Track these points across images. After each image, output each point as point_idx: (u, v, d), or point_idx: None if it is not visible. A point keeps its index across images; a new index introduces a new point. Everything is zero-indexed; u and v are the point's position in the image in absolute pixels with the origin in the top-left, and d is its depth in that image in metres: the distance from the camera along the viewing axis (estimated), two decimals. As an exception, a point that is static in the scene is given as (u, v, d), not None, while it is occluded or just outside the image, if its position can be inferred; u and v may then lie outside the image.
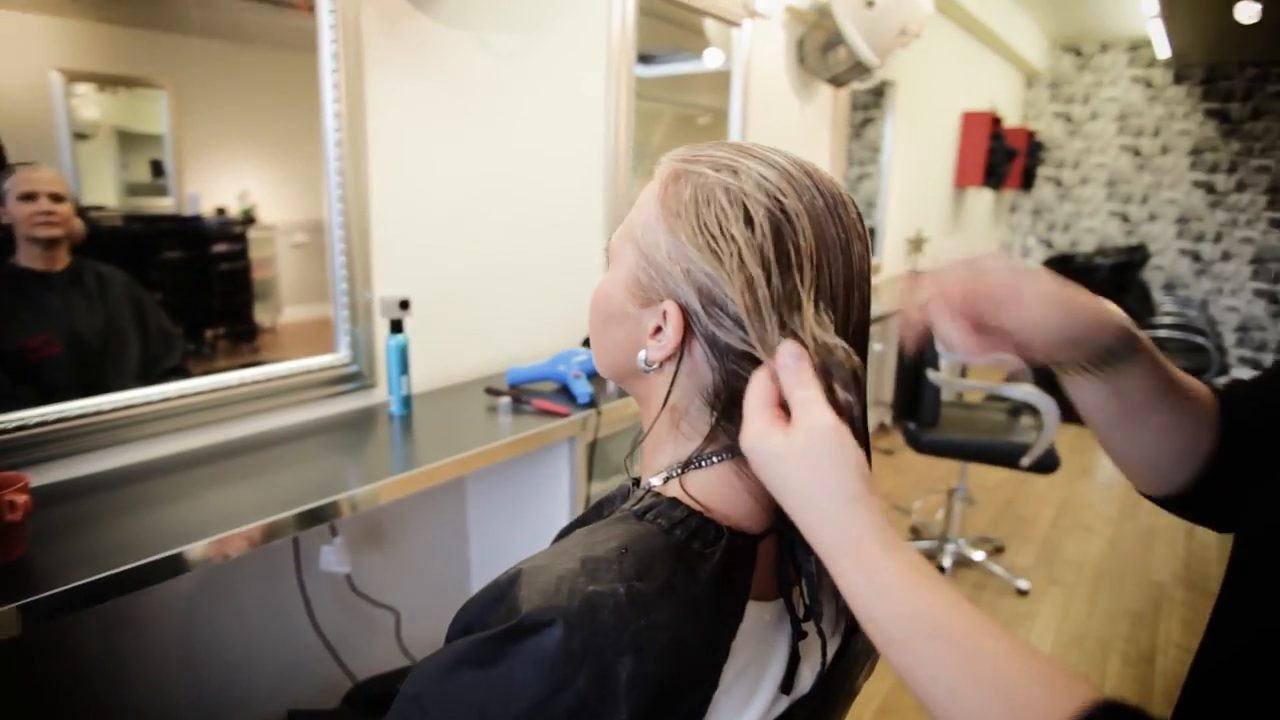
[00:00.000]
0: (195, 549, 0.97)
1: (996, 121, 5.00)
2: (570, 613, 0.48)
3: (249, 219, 1.36)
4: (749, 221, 0.52)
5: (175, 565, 0.95)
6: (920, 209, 4.51)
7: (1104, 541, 3.04)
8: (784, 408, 0.50)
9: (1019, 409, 2.82)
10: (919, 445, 2.65)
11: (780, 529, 0.57)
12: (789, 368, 0.49)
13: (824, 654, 0.59)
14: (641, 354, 0.58)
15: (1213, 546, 3.02)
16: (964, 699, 0.41)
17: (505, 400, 1.54)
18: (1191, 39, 4.90)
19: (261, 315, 1.42)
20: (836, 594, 0.62)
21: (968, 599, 0.43)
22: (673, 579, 0.52)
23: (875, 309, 3.43)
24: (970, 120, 4.97)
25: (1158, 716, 0.39)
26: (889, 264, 4.14)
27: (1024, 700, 0.39)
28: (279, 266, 1.43)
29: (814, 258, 0.52)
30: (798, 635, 0.57)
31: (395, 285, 1.55)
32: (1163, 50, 5.23)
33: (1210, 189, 5.79)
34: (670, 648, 0.50)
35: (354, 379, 1.51)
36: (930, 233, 4.54)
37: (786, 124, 2.95)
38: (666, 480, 0.58)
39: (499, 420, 1.50)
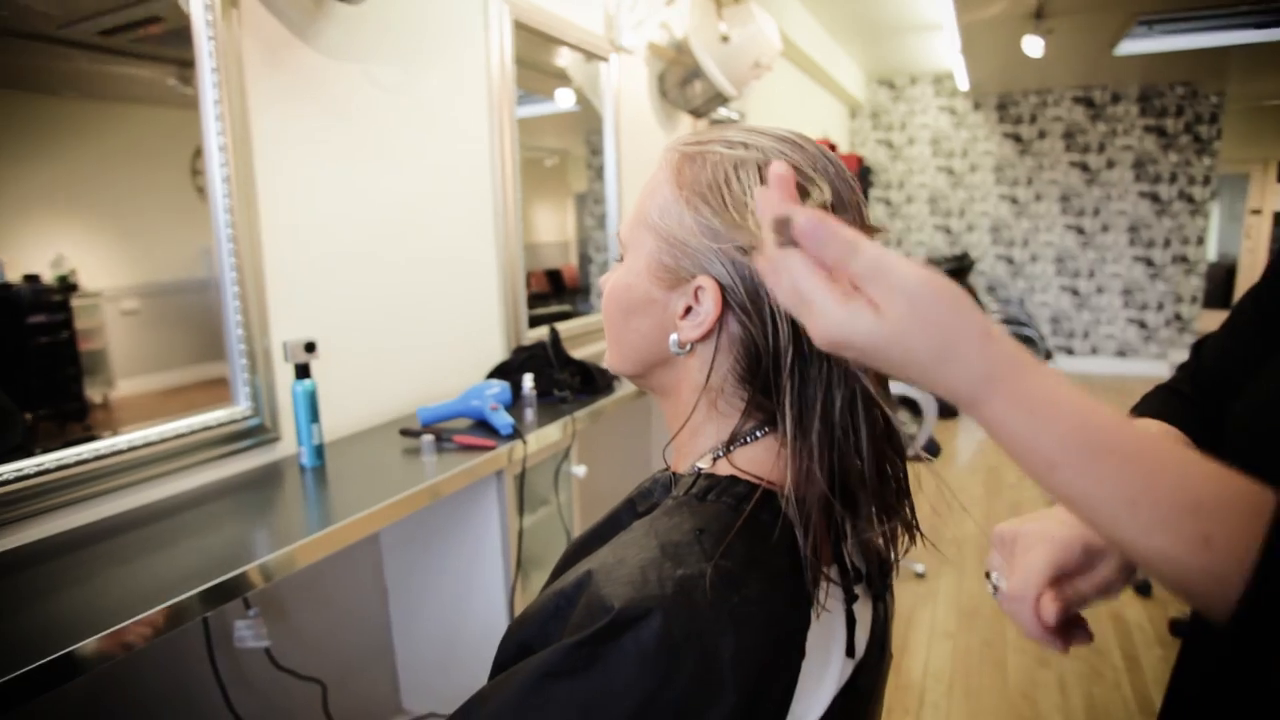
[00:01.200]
0: (88, 646, 0.80)
1: (833, 148, 5.39)
2: (666, 600, 0.47)
3: (69, 286, 1.18)
4: None
5: (64, 668, 0.78)
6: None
7: (979, 519, 3.29)
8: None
9: (896, 403, 3.01)
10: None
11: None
12: (828, 237, 0.40)
13: (875, 615, 0.60)
14: (673, 337, 0.58)
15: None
16: (1147, 511, 0.38)
17: (427, 439, 1.46)
18: (986, 71, 5.55)
19: (92, 391, 1.23)
20: (872, 556, 0.63)
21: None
22: (753, 552, 0.52)
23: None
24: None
25: None
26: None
27: (1212, 503, 0.38)
28: (108, 336, 1.24)
29: (847, 204, 0.54)
30: (851, 597, 0.58)
31: (293, 329, 1.44)
32: (963, 82, 5.88)
33: (1014, 200, 6.54)
34: (764, 622, 0.49)
35: (256, 433, 1.38)
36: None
37: (653, 152, 3.04)
38: (715, 461, 0.58)
39: (422, 461, 1.42)
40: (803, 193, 0.53)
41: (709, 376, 0.57)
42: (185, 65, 1.24)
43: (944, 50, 5.39)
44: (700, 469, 0.58)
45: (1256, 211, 8.28)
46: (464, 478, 1.39)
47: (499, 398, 1.66)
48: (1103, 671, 2.27)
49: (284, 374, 1.42)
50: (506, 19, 1.99)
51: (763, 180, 0.53)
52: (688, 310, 0.57)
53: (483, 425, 1.63)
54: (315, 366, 1.40)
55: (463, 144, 1.91)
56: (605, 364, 0.66)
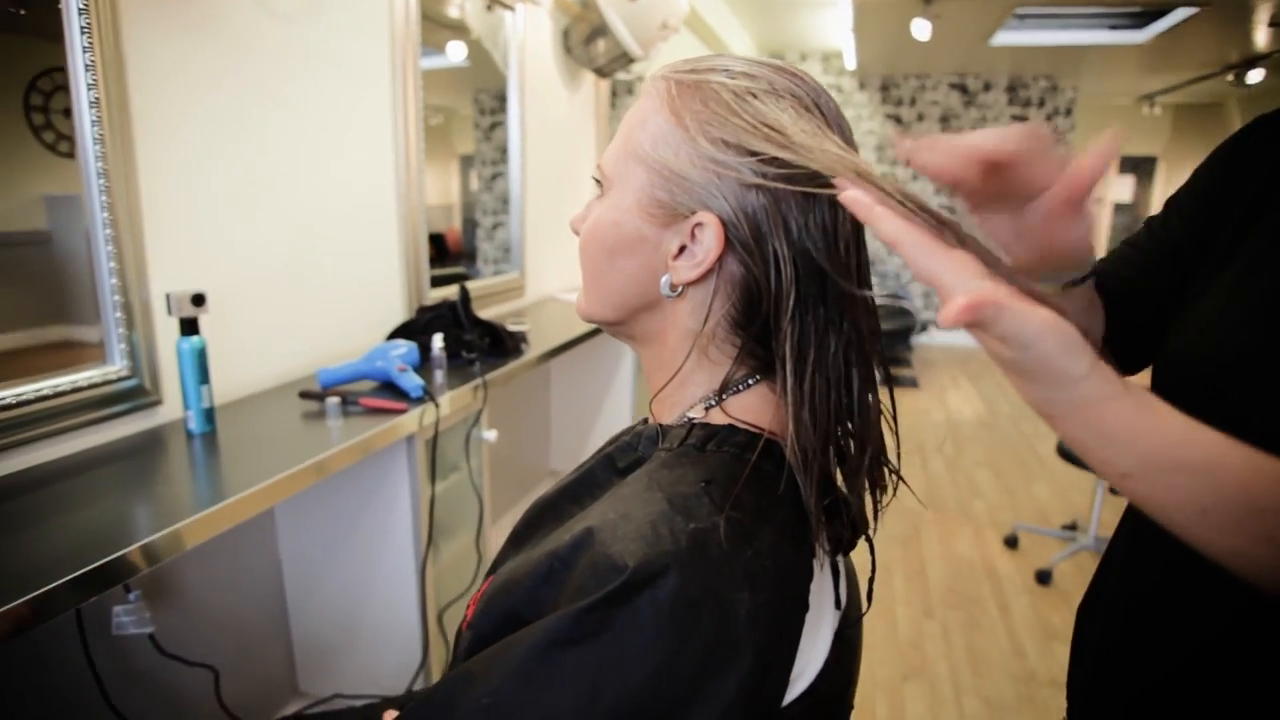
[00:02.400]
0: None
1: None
2: (681, 555, 0.44)
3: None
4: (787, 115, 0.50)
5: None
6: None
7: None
8: None
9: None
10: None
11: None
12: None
13: (848, 566, 0.60)
14: (665, 279, 0.54)
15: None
16: (1215, 517, 0.43)
17: (333, 402, 1.35)
18: (874, 52, 5.74)
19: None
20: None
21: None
22: (760, 503, 0.50)
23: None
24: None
25: None
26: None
27: (1274, 506, 0.42)
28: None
29: (848, 142, 0.52)
30: (840, 548, 0.57)
31: (177, 280, 1.29)
32: (850, 61, 6.07)
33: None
34: (776, 575, 0.47)
35: (133, 395, 1.23)
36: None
37: (558, 112, 2.95)
38: (707, 410, 0.55)
39: (327, 425, 1.32)
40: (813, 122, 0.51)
41: (706, 321, 0.54)
42: (41, -32, 1.06)
43: (835, 28, 5.52)
44: (692, 419, 0.55)
45: (1099, 200, 9.07)
46: (376, 441, 1.30)
47: (406, 359, 1.57)
48: (980, 620, 2.45)
49: (167, 330, 1.27)
50: (412, -47, 1.84)
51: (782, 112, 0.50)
52: (681, 250, 0.53)
53: (388, 388, 1.54)
54: (204, 322, 1.26)
55: (363, 90, 1.77)
56: (578, 309, 0.61)
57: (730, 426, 0.53)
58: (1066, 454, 2.79)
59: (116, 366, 1.21)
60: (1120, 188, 9.16)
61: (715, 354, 0.55)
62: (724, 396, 0.54)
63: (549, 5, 2.73)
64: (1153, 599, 0.64)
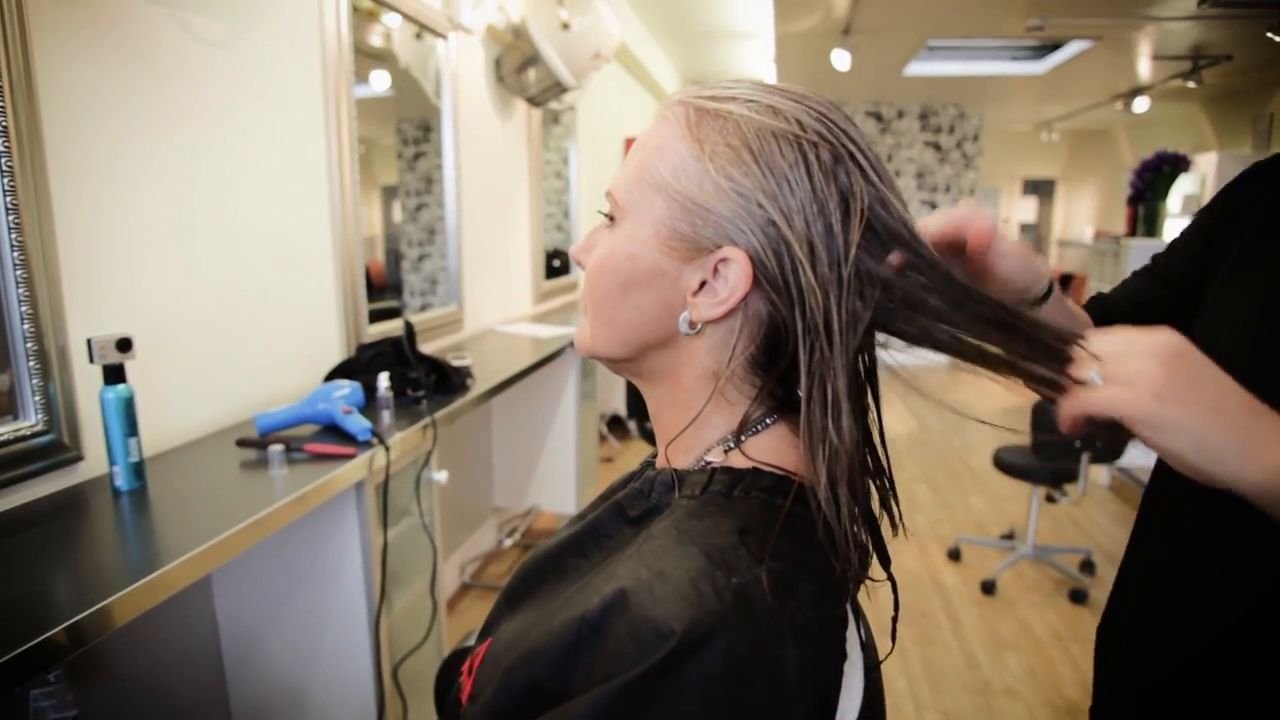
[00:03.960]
0: None
1: (655, 148, 5.51)
2: (728, 615, 0.40)
3: None
4: (817, 157, 0.47)
5: None
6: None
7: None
8: None
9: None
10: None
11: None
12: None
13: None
14: (684, 316, 0.51)
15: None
16: None
17: (275, 450, 1.26)
18: (795, 82, 5.91)
19: None
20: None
21: None
22: (798, 552, 0.47)
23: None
24: (632, 145, 5.40)
25: None
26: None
27: None
28: None
29: (881, 179, 0.50)
30: (856, 584, 0.54)
31: (95, 325, 1.19)
32: (771, 90, 6.23)
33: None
34: (819, 627, 0.44)
35: (50, 451, 1.12)
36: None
37: (491, 140, 2.90)
38: (726, 453, 0.52)
39: (271, 475, 1.23)
40: (850, 166, 0.48)
41: (731, 360, 0.51)
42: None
43: (757, 59, 5.67)
44: (710, 462, 0.52)
45: (1006, 220, 9.60)
46: (324, 490, 1.21)
47: (350, 399, 1.49)
48: (933, 635, 2.48)
49: (87, 378, 1.16)
50: (343, -21, 1.78)
51: (805, 160, 0.47)
52: (702, 285, 0.50)
53: (332, 431, 1.45)
54: (129, 369, 1.16)
55: (294, 118, 1.69)
56: (579, 346, 0.57)
57: (755, 470, 0.50)
58: (1001, 464, 2.88)
59: (31, 421, 1.10)
60: (1024, 208, 9.70)
61: (733, 394, 0.52)
62: (742, 438, 0.52)
63: (481, 34, 2.70)
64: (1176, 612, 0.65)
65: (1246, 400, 0.46)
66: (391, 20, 2.18)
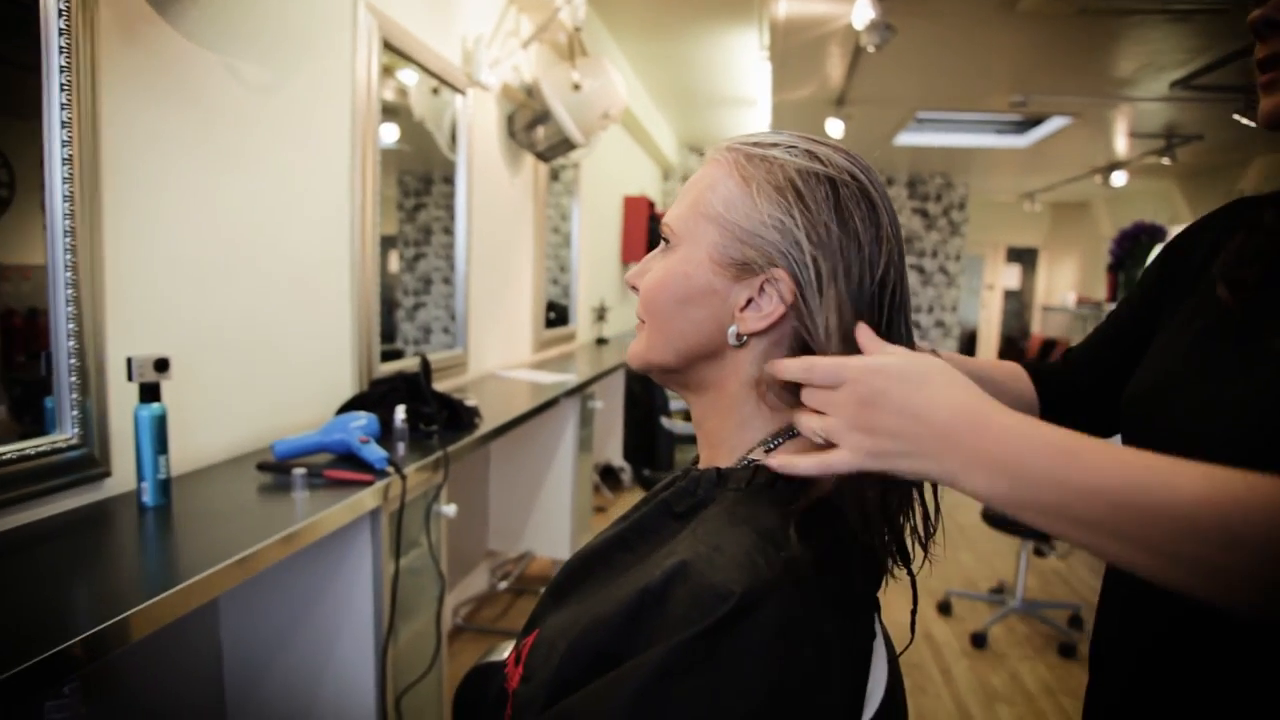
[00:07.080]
0: None
1: (651, 205, 5.66)
2: (780, 583, 0.46)
3: None
4: (850, 194, 0.55)
5: None
6: (600, 282, 4.87)
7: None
8: None
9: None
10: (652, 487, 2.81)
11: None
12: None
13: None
14: (732, 329, 0.57)
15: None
16: (1142, 554, 0.42)
17: (299, 473, 1.30)
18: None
19: None
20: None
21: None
22: (836, 536, 0.52)
23: (591, 369, 3.47)
24: (630, 204, 5.55)
25: None
26: (581, 332, 4.38)
27: (1205, 527, 0.40)
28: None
29: (893, 230, 0.57)
30: (882, 570, 0.60)
31: (131, 346, 1.23)
32: (765, 154, 6.44)
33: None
34: (854, 602, 0.50)
35: (81, 465, 1.15)
36: (610, 302, 4.92)
37: (501, 192, 3.01)
38: (768, 453, 0.57)
39: (293, 497, 1.26)
40: (871, 207, 0.56)
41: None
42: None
43: (753, 125, 5.89)
44: (753, 460, 0.58)
45: (990, 287, 9.82)
46: (348, 511, 1.25)
47: (368, 430, 1.53)
48: (925, 686, 2.48)
49: (123, 396, 1.20)
50: (375, 36, 1.89)
51: (837, 197, 0.55)
52: (748, 302, 0.56)
53: (348, 460, 1.49)
54: (168, 388, 1.20)
55: (324, 163, 1.77)
56: (634, 357, 0.63)
57: None
58: (990, 518, 2.93)
59: (67, 434, 1.13)
60: (1008, 276, 9.95)
61: (773, 399, 0.58)
62: (781, 440, 0.57)
63: (495, 92, 2.83)
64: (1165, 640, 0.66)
65: (970, 412, 0.46)
66: (407, 76, 2.29)
